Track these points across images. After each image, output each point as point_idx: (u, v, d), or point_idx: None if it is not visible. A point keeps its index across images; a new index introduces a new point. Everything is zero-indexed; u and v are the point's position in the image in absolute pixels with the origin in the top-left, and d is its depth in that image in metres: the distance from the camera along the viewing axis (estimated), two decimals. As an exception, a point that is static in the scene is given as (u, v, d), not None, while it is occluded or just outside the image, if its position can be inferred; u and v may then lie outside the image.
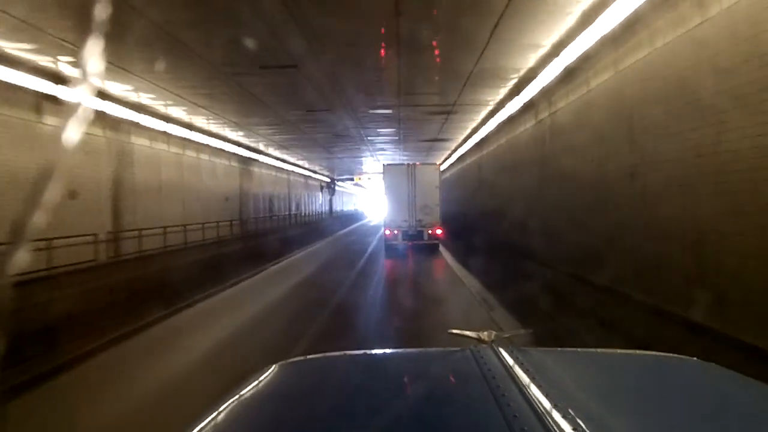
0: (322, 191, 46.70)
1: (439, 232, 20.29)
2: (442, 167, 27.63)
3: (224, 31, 8.75)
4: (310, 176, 39.98)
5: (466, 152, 23.93)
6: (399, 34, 8.93)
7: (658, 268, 6.54)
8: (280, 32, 8.58)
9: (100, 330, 7.75)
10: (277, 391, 1.57)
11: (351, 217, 57.47)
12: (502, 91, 13.61)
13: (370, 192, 77.72)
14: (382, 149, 26.81)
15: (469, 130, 20.56)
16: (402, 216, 20.34)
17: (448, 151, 28.32)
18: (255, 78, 11.65)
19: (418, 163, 21.83)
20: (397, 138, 22.68)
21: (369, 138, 22.58)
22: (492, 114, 16.03)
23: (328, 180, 47.20)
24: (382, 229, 22.29)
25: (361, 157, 30.96)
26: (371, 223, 51.10)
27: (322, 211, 46.86)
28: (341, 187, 57.27)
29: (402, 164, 22.04)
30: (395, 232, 20.36)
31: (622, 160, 7.52)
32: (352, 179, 44.41)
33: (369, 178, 40.87)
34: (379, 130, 20.56)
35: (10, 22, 7.86)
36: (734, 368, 1.50)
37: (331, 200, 50.62)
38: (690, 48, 5.80)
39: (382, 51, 10.10)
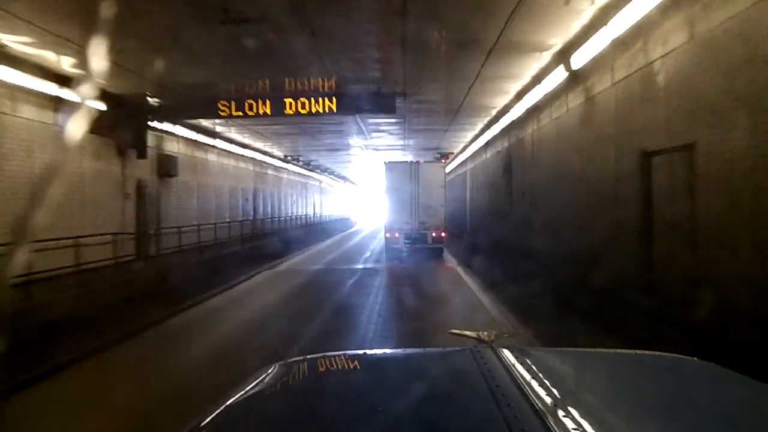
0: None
1: (443, 234, 19.39)
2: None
3: None
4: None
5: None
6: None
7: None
8: None
9: None
10: (277, 391, 1.57)
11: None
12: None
13: (361, 186, 53.39)
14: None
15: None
16: (404, 217, 19.37)
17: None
18: None
19: (421, 160, 20.90)
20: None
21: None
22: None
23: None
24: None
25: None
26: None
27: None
28: (277, 169, 26.33)
29: (404, 162, 20.86)
30: (396, 234, 19.44)
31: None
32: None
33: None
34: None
35: None
36: None
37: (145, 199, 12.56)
38: None
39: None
